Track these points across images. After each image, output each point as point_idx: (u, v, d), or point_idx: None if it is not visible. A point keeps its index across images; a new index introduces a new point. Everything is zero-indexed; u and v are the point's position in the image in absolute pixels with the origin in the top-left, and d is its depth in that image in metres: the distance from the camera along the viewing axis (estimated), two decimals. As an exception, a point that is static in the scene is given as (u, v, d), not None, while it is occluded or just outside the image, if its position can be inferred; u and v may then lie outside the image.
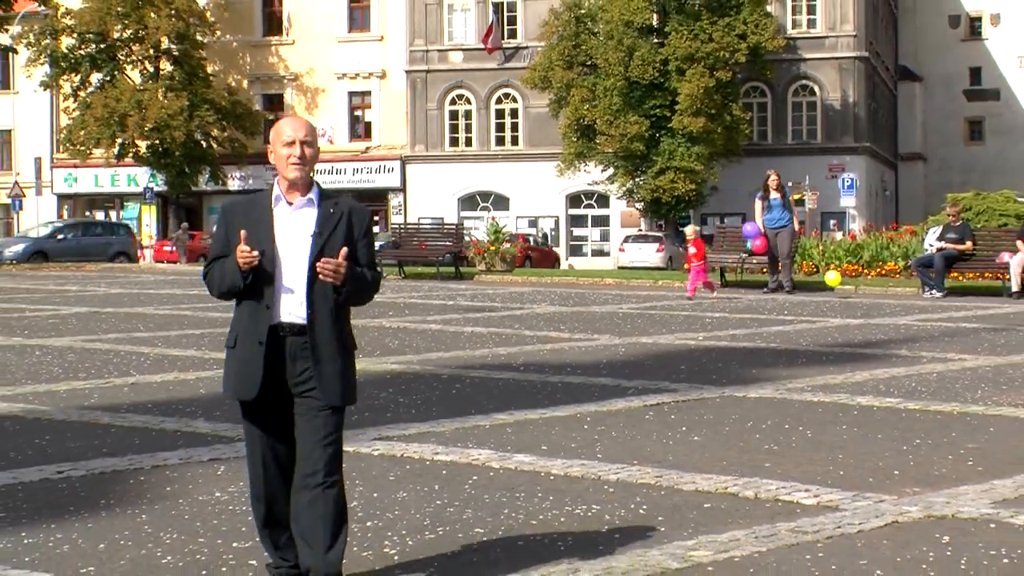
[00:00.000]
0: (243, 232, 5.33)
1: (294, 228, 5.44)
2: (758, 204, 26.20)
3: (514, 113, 59.38)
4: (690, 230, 26.71)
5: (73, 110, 58.45)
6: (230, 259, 5.38)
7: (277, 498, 5.56)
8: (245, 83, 61.39)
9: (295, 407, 5.46)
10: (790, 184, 26.39)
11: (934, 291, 25.77)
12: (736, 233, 30.63)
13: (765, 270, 27.05)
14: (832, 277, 25.90)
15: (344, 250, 5.36)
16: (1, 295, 25.49)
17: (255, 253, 5.30)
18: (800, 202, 49.31)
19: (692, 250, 25.09)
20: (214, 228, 5.98)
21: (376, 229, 46.36)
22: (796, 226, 26.71)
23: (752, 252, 27.22)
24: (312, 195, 5.49)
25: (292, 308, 5.42)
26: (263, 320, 5.42)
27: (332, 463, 5.42)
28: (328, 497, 5.38)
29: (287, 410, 5.48)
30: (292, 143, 5.42)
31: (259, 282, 5.40)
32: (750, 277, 29.08)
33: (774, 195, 25.92)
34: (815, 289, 26.68)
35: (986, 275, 27.15)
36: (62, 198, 63.69)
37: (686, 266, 25.62)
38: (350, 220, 5.48)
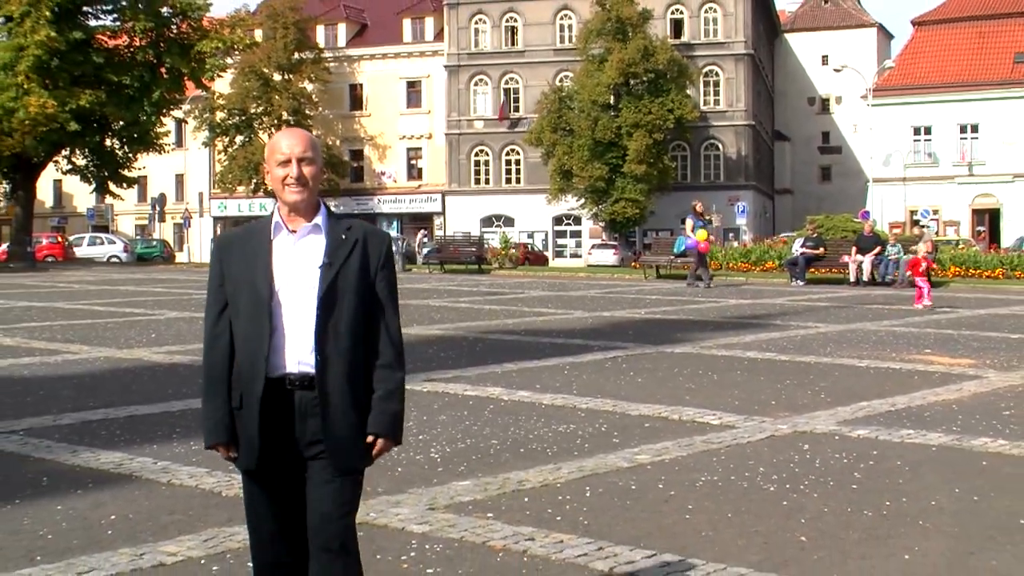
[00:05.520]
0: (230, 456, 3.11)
1: (298, 260, 3.03)
2: (689, 222, 24.39)
3: (518, 162, 59.15)
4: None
5: (224, 160, 59.06)
6: (218, 363, 3.07)
7: None
8: (338, 142, 61.13)
9: (307, 471, 3.05)
10: (697, 205, 25.20)
11: (799, 281, 25.76)
12: (668, 242, 30.60)
13: (687, 267, 26.93)
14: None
15: (379, 446, 3.07)
16: (176, 284, 25.50)
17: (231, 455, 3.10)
18: (710, 222, 49.26)
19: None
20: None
21: (425, 239, 46.12)
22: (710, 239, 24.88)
23: (680, 254, 27.23)
24: (319, 219, 3.07)
25: (299, 356, 3.00)
26: (260, 373, 3.00)
27: (347, 535, 3.04)
28: (341, 570, 3.03)
29: (296, 476, 3.07)
30: (287, 162, 3.02)
31: (257, 327, 3.00)
32: (675, 272, 29.03)
33: (697, 218, 24.20)
34: (721, 282, 26.64)
35: (833, 270, 27.11)
36: (216, 220, 63.59)
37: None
38: (366, 247, 3.06)
